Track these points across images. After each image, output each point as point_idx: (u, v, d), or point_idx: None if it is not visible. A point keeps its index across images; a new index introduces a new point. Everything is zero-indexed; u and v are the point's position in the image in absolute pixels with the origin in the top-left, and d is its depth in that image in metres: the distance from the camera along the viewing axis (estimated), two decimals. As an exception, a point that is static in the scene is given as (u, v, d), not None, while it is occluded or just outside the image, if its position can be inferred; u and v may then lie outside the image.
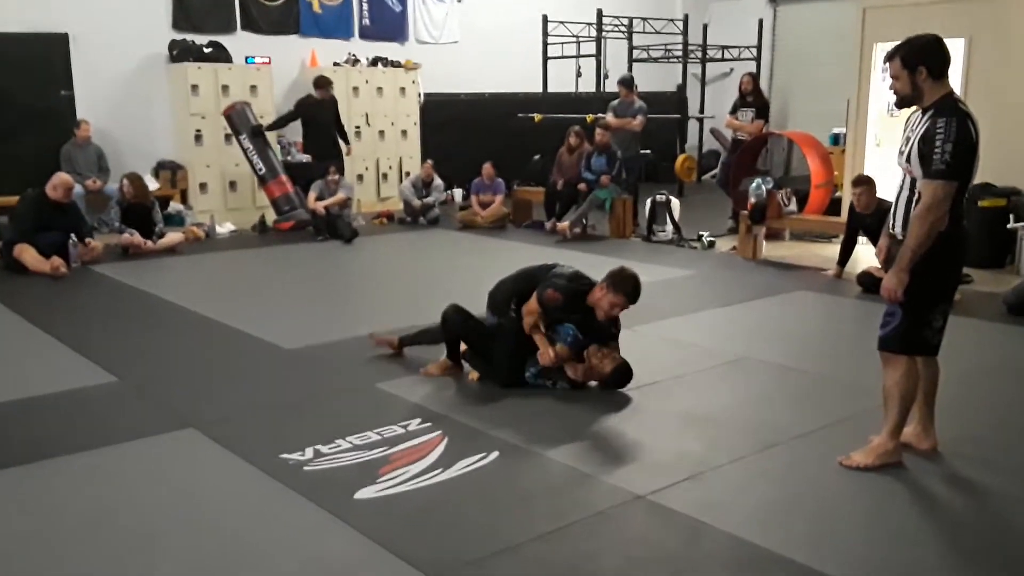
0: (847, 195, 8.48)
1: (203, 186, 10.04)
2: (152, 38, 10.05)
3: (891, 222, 3.47)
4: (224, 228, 9.70)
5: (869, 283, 6.30)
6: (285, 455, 3.61)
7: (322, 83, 9.86)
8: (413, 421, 3.99)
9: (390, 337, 5.06)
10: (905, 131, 3.43)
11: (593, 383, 4.43)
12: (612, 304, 4.33)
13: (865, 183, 6.70)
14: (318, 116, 9.85)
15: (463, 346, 4.66)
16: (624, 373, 4.41)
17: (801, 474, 3.48)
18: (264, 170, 9.74)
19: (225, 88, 9.99)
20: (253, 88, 10.20)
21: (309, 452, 3.64)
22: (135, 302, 6.55)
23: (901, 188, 3.41)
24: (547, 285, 4.42)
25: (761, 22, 13.87)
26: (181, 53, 10.03)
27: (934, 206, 3.19)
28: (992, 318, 5.87)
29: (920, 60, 3.27)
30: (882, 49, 7.84)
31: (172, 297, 6.59)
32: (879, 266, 3.86)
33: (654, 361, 4.91)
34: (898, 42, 3.38)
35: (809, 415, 4.11)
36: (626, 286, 4.34)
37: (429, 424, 3.95)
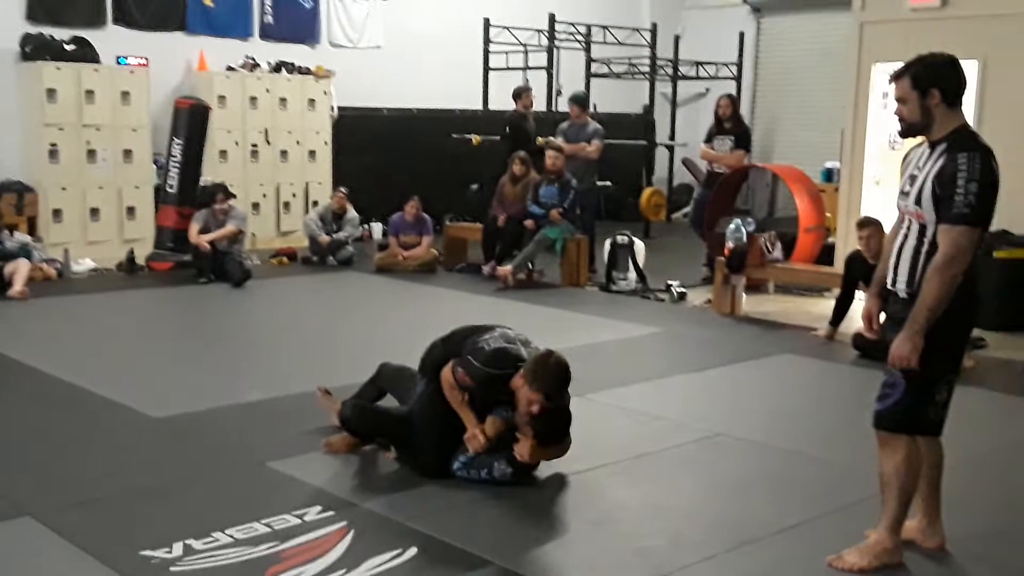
0: (842, 241, 8.73)
1: (57, 213, 9.86)
2: (-1, 30, 9.93)
3: (891, 277, 3.55)
4: (81, 266, 9.52)
5: (867, 346, 6.43)
6: (147, 551, 3.53)
7: (520, 93, 10.55)
8: (311, 509, 3.93)
9: (333, 402, 4.94)
10: (906, 169, 3.53)
11: (537, 460, 4.35)
12: (529, 400, 4.12)
13: (873, 224, 6.87)
14: (529, 133, 10.37)
15: None
16: (555, 413, 4.21)
17: (784, 577, 3.49)
18: (175, 189, 9.95)
19: (90, 93, 9.89)
20: (125, 95, 10.11)
21: (178, 548, 3.57)
22: (-37, 356, 6.37)
23: (905, 236, 3.48)
24: (461, 362, 4.28)
25: (742, 35, 14.27)
26: (36, 50, 9.91)
27: (957, 257, 3.26)
28: (1008, 390, 6.03)
29: (933, 81, 3.37)
30: (882, 70, 8.15)
31: (9, 351, 6.42)
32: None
33: (610, 436, 4.91)
34: (901, 63, 3.48)
35: (794, 505, 4.14)
36: (546, 381, 4.10)
37: (331, 513, 3.90)
